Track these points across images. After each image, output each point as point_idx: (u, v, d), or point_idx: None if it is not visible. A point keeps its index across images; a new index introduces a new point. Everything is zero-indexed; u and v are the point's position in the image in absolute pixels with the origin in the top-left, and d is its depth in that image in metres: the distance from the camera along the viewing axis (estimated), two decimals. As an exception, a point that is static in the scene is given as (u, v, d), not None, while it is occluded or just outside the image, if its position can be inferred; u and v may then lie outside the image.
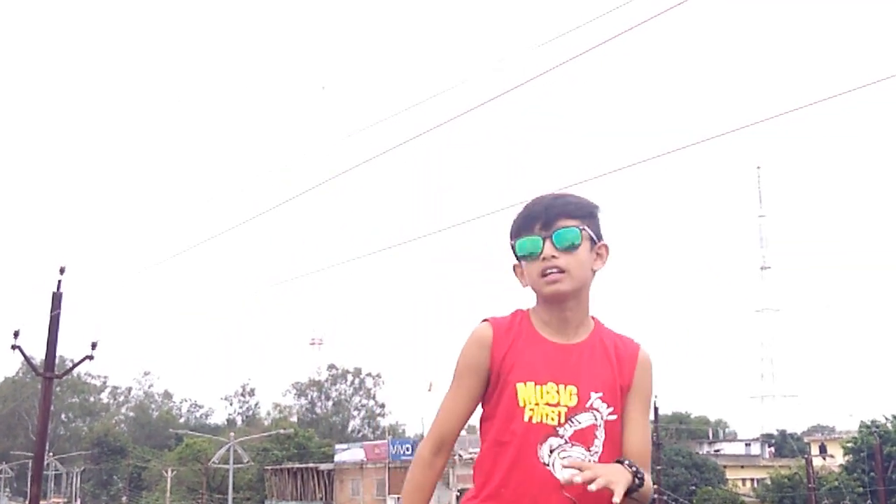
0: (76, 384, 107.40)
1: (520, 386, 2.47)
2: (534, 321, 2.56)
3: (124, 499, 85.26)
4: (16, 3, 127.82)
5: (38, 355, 24.12)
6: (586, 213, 2.55)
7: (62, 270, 21.76)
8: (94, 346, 22.68)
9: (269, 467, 73.97)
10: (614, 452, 2.48)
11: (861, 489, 50.63)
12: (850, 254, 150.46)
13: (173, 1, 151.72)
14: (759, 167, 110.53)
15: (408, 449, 60.18)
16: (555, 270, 2.47)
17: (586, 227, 2.52)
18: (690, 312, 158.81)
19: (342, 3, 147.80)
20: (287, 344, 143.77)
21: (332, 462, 68.23)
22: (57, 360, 22.93)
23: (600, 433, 2.47)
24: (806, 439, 75.90)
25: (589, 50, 8.61)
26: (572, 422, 2.46)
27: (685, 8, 8.01)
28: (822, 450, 66.89)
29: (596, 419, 2.48)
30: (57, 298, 21.63)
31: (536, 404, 2.46)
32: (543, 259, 2.48)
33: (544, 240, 2.48)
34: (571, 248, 2.49)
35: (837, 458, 60.56)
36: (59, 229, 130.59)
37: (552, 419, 2.45)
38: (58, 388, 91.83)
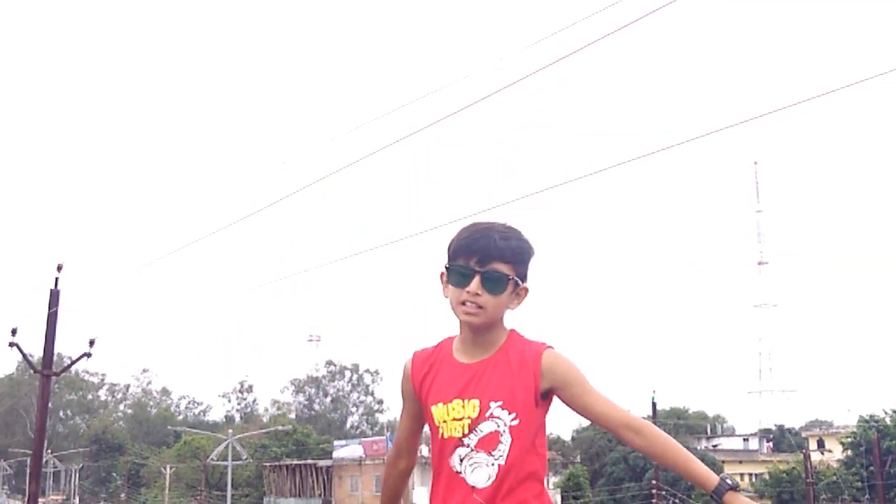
0: (74, 381, 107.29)
1: (433, 408, 2.78)
2: (454, 344, 2.85)
3: (123, 496, 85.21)
4: (16, 3, 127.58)
5: (37, 352, 24.12)
6: (519, 258, 2.77)
7: (60, 268, 21.74)
8: (92, 343, 22.68)
9: (268, 464, 73.97)
10: (523, 454, 2.71)
11: (859, 484, 50.73)
12: (847, 249, 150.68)
13: (171, 1, 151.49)
14: (756, 162, 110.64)
15: (406, 445, 60.17)
16: (474, 305, 2.72)
17: (513, 275, 2.74)
18: (688, 308, 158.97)
19: (334, 3, 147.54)
20: (285, 341, 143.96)
21: (331, 458, 68.23)
22: (55, 358, 22.92)
23: (505, 438, 2.70)
24: (804, 434, 76.02)
25: (584, 47, 8.60)
26: (476, 431, 2.71)
27: (681, 4, 7.99)
28: (820, 445, 67.01)
29: (498, 426, 2.71)
30: (55, 296, 21.61)
31: (445, 421, 2.75)
32: (468, 292, 2.72)
33: (475, 274, 2.72)
34: (496, 291, 2.72)
35: (835, 452, 60.69)
36: (56, 227, 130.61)
37: (458, 431, 2.72)
38: (56, 386, 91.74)
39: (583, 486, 60.37)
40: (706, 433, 79.88)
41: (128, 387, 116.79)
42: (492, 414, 2.71)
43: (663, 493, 46.93)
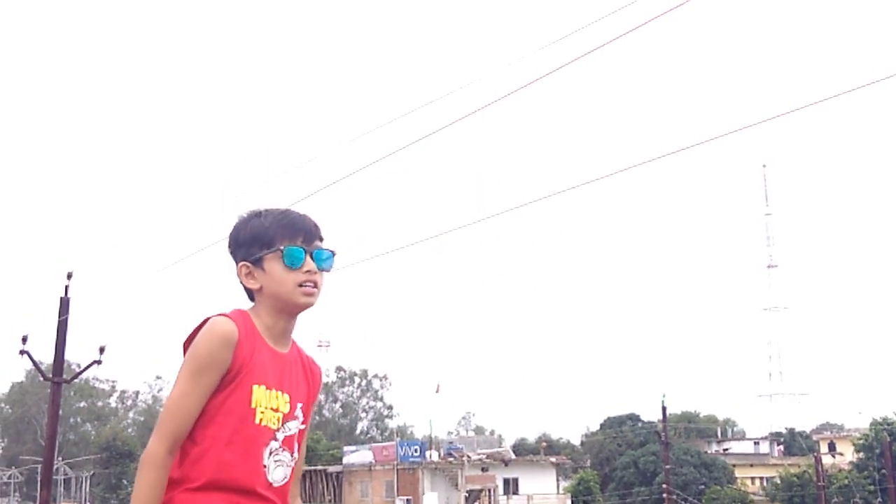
0: (84, 388, 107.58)
1: (255, 388, 2.56)
2: (256, 325, 2.66)
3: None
4: (17, 4, 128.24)
5: (47, 360, 24.18)
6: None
7: (70, 275, 21.77)
8: (102, 350, 22.70)
9: (278, 470, 73.93)
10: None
11: (871, 487, 50.55)
12: (857, 251, 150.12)
13: (177, 6, 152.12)
14: (765, 165, 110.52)
15: (416, 451, 60.18)
16: (311, 285, 2.64)
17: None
18: (698, 311, 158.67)
19: (338, 5, 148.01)
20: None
21: (341, 464, 68.22)
22: (65, 365, 22.98)
23: (299, 441, 2.68)
24: (815, 437, 75.81)
25: (593, 50, 8.61)
26: (284, 428, 2.62)
27: (692, 6, 8.00)
28: (832, 448, 66.74)
29: (298, 427, 2.67)
30: (65, 303, 21.64)
31: (266, 408, 2.57)
32: (307, 272, 2.64)
33: (307, 253, 2.65)
34: (328, 268, 2.71)
35: (847, 455, 60.47)
36: (66, 234, 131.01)
37: (274, 424, 2.59)
38: (68, 393, 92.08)
39: (593, 490, 60.29)
40: (717, 437, 79.69)
41: (137, 393, 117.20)
42: (296, 414, 2.65)
43: (674, 497, 46.77)
